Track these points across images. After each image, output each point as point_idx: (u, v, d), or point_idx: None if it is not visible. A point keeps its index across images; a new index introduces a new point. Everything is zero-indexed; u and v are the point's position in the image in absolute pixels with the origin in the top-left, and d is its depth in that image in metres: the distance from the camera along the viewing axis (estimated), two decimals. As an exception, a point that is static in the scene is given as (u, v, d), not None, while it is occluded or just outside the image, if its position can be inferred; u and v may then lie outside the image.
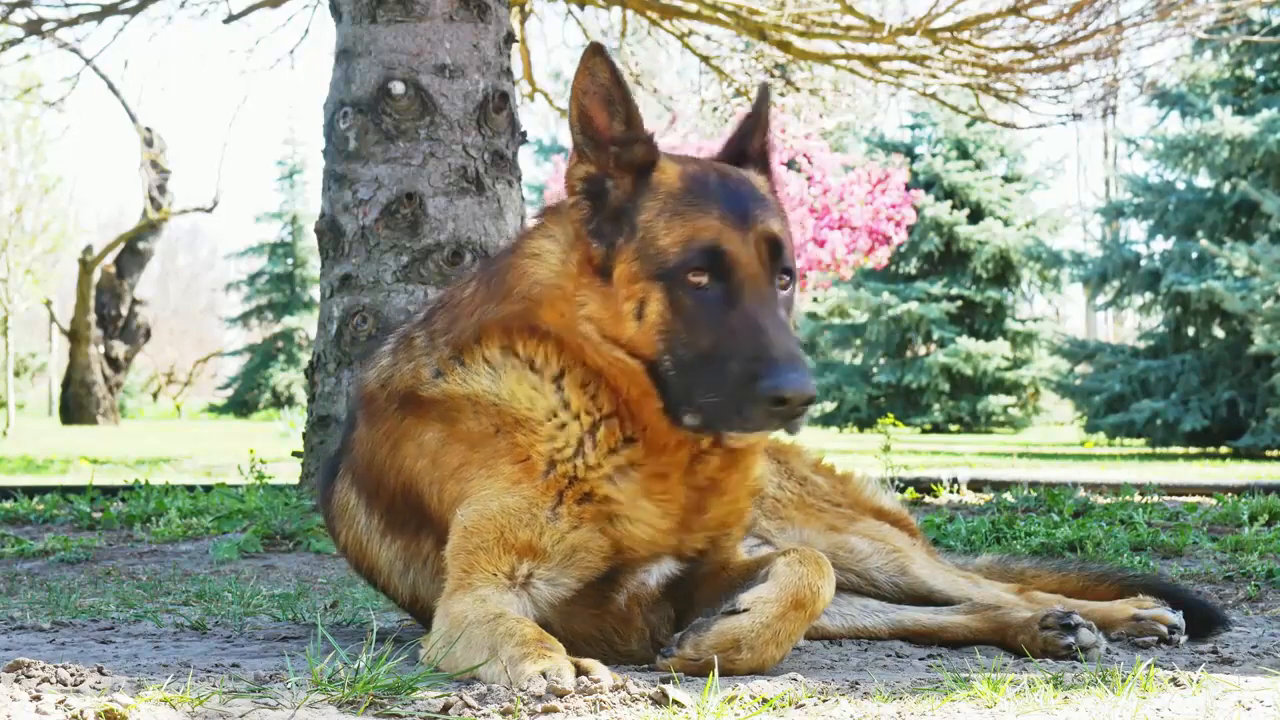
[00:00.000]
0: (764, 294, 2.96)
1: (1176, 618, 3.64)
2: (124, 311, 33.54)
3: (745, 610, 2.98)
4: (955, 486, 8.84)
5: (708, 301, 2.96)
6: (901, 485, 8.42)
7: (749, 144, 3.26)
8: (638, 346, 3.03)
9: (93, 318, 32.20)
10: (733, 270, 2.97)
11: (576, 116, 3.13)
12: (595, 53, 3.10)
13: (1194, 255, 21.77)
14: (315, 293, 44.40)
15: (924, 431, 31.37)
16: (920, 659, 3.39)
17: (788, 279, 3.05)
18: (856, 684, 2.90)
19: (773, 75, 14.93)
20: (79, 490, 8.29)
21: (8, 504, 7.43)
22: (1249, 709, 2.64)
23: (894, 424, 9.19)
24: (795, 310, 3.10)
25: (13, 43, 12.90)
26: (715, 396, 2.92)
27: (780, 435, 3.02)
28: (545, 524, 3.06)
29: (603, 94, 3.11)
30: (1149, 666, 2.87)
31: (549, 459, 3.09)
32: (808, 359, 2.93)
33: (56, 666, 2.72)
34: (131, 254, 33.12)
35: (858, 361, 33.62)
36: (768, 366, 2.85)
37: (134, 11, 12.45)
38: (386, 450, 3.30)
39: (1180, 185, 22.87)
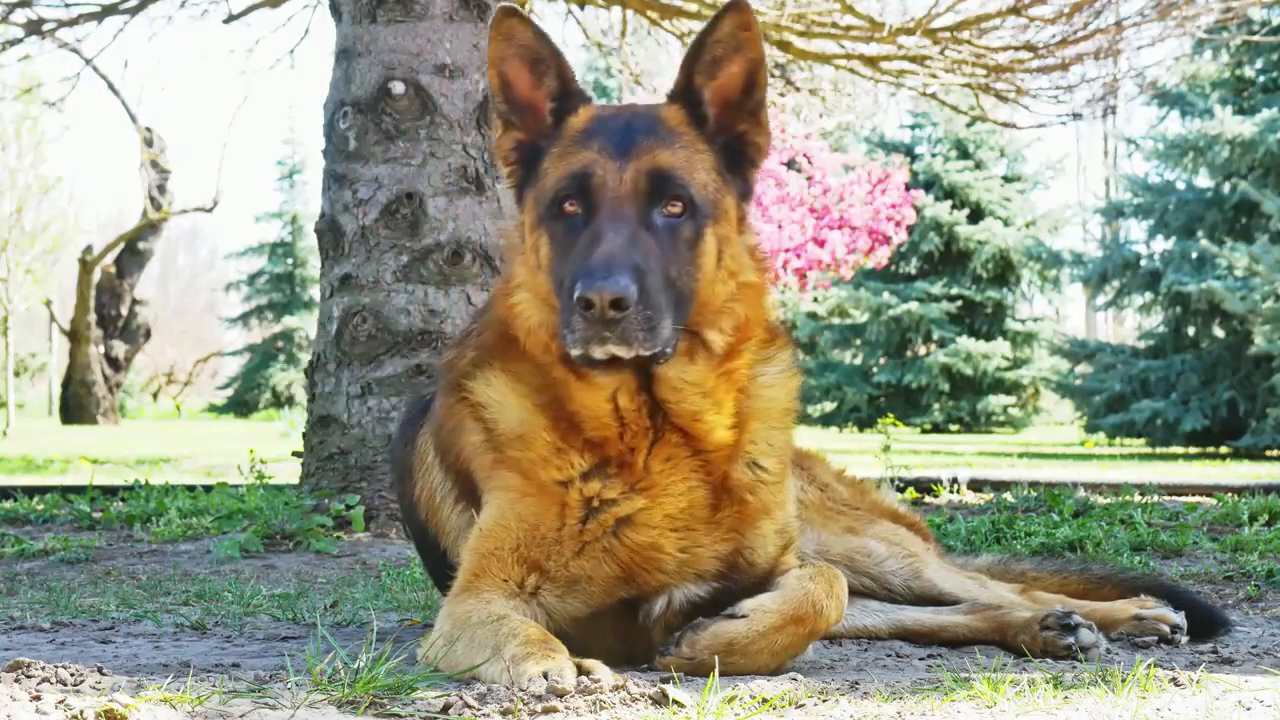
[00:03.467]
0: (620, 214, 2.89)
1: (1178, 618, 3.64)
2: (124, 311, 33.53)
3: (743, 616, 2.97)
4: (955, 486, 8.83)
5: (574, 228, 2.94)
6: (901, 485, 8.41)
7: (685, 81, 3.09)
8: (550, 299, 3.00)
9: (93, 318, 32.18)
10: (596, 193, 2.93)
11: (498, 86, 3.10)
12: (508, 14, 3.07)
13: (1194, 255, 21.75)
14: (315, 293, 44.36)
15: (924, 431, 31.36)
16: (920, 659, 3.39)
17: (679, 205, 2.95)
18: (856, 684, 2.90)
19: (773, 75, 14.92)
20: (79, 490, 8.28)
21: (8, 504, 7.43)
22: (1249, 709, 2.64)
23: (894, 424, 9.18)
24: (708, 238, 2.97)
25: (13, 43, 12.89)
26: (563, 316, 2.87)
27: (621, 351, 2.81)
28: (551, 546, 3.05)
29: (525, 55, 3.08)
30: (1149, 666, 2.87)
31: (543, 472, 3.07)
32: (632, 268, 2.79)
33: (56, 666, 2.72)
34: (131, 254, 33.11)
35: (858, 361, 33.60)
36: (583, 271, 2.80)
37: (134, 11, 12.44)
38: (451, 428, 3.31)
39: (1180, 185, 22.86)
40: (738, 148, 3.10)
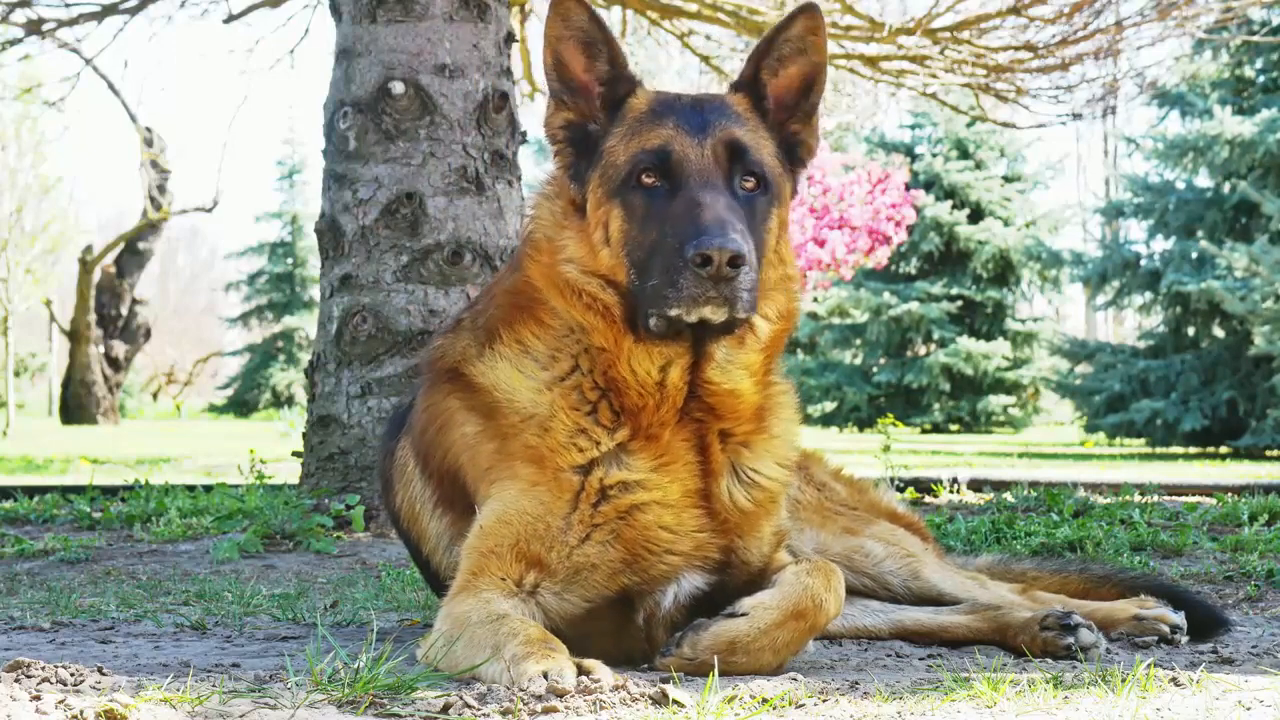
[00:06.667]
0: (711, 183, 2.97)
1: (1178, 618, 3.64)
2: (124, 311, 33.52)
3: (744, 615, 2.97)
4: (955, 486, 8.83)
5: (657, 198, 3.00)
6: (901, 485, 8.41)
7: (753, 72, 3.22)
8: (612, 271, 3.04)
9: (93, 318, 32.17)
10: (680, 165, 3.00)
11: (552, 64, 3.16)
12: None
13: (1194, 255, 21.75)
14: (315, 293, 44.34)
15: (924, 431, 31.35)
16: (920, 659, 3.39)
17: (753, 180, 3.06)
18: (856, 684, 2.90)
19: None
20: (79, 490, 8.28)
21: (8, 504, 7.43)
22: (1249, 709, 2.64)
23: (894, 424, 9.18)
24: (774, 218, 3.10)
25: (13, 43, 12.89)
26: (658, 279, 2.92)
27: (715, 314, 2.89)
28: (556, 535, 3.04)
29: (580, 37, 3.14)
30: (1149, 666, 2.88)
31: (561, 457, 3.08)
32: (739, 230, 2.89)
33: (56, 666, 2.72)
34: (131, 254, 33.09)
35: (858, 361, 33.59)
36: (694, 231, 2.87)
37: (134, 11, 12.43)
38: (436, 429, 3.32)
39: (1180, 185, 22.86)
40: (787, 146, 3.21)
